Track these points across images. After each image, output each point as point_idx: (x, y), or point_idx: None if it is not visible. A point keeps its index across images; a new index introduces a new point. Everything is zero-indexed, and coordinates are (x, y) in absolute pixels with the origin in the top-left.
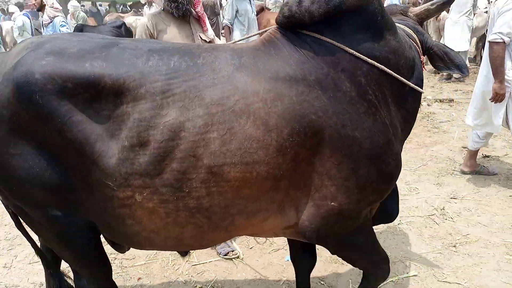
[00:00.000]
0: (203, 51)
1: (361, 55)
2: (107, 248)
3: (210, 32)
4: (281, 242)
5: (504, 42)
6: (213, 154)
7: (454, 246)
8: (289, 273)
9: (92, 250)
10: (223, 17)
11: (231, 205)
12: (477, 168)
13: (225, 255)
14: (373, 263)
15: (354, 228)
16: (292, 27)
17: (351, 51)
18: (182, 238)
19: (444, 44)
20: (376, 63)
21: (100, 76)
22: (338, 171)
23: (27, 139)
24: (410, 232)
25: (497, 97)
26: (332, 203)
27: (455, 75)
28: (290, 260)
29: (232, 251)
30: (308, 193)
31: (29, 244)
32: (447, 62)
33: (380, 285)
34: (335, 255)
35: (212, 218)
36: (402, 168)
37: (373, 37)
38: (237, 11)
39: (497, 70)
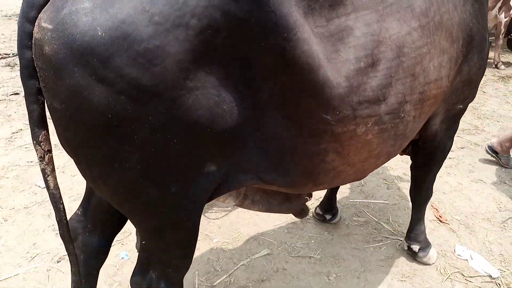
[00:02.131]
0: None
1: None
2: None
3: None
4: None
5: None
6: (425, 71)
7: None
8: None
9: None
10: None
11: (416, 128)
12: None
13: None
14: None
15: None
16: None
17: None
18: (365, 171)
19: None
20: None
21: None
22: (477, 75)
23: (220, 63)
24: None
25: None
26: (461, 106)
27: None
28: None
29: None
30: (448, 104)
31: None
32: None
33: (231, 271)
34: None
35: (402, 145)
36: None
37: None
38: None
39: None
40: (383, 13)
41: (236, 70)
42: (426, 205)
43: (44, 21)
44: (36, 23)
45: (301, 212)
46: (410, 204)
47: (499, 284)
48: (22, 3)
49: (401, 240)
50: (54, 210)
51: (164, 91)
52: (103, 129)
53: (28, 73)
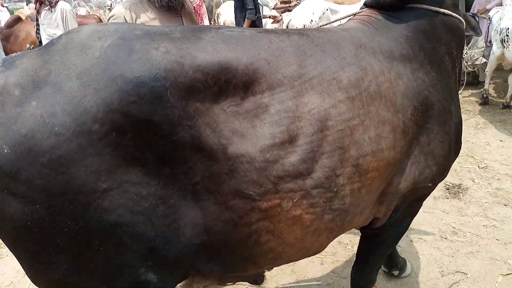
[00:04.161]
0: (311, 31)
1: (462, 19)
2: None
3: None
4: None
5: None
6: (358, 143)
7: None
8: None
9: None
10: None
11: (360, 203)
12: None
13: None
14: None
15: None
16: (398, 4)
17: (459, 17)
18: (310, 249)
19: None
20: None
21: (231, 61)
22: (441, 149)
23: (133, 161)
24: None
25: None
26: (430, 185)
27: None
28: None
29: None
30: (410, 178)
31: None
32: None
33: None
34: None
35: (345, 220)
36: None
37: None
38: None
39: None
40: (300, 89)
41: (154, 167)
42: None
43: None
44: None
45: (256, 280)
46: (345, 281)
47: None
48: None
49: None
50: None
51: (75, 197)
52: (26, 236)
53: None
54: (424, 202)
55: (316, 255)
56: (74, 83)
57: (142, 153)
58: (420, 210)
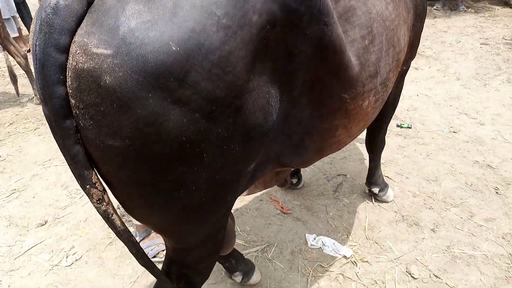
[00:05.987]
0: None
1: None
2: None
3: None
4: None
5: None
6: (399, 40)
7: None
8: None
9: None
10: None
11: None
12: None
13: None
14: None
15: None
16: None
17: None
18: (357, 136)
19: None
20: None
21: None
22: (417, 40)
23: (269, 57)
24: None
25: None
26: (404, 68)
27: None
28: None
29: None
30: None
31: None
32: None
33: None
34: None
35: (380, 108)
36: None
37: None
38: None
39: None
40: None
41: (281, 64)
42: (381, 153)
43: (95, 46)
44: (78, 51)
45: (284, 183)
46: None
47: (355, 262)
48: (41, 27)
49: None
50: (127, 246)
51: (233, 99)
52: (174, 155)
53: (64, 113)
54: None
55: None
56: None
57: (277, 49)
58: None
